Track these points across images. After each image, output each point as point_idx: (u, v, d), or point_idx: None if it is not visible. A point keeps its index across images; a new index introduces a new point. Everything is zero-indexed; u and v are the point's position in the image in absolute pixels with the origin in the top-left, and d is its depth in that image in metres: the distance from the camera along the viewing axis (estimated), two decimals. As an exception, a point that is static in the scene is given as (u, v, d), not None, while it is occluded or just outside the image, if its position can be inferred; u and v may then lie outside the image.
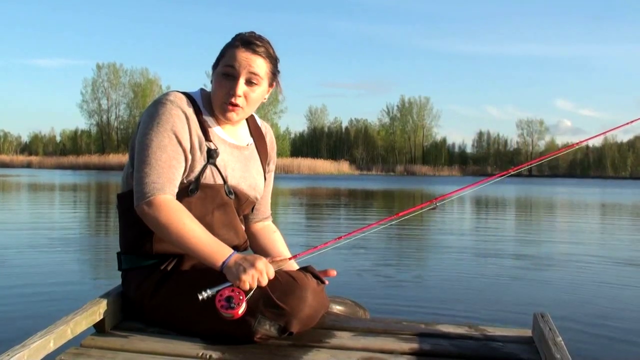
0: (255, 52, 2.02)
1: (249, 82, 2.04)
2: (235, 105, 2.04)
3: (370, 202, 19.52)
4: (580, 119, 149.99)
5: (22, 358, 1.54)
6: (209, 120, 2.09)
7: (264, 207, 2.38)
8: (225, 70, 2.02)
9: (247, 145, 2.21)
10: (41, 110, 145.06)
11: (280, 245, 2.34)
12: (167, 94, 2.05)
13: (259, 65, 2.04)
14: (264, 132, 2.32)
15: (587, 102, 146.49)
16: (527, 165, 2.31)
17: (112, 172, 44.82)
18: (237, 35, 2.07)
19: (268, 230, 2.38)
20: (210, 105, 2.11)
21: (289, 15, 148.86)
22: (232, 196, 2.11)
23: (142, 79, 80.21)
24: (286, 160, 64.44)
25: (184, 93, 2.08)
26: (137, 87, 79.12)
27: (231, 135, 2.16)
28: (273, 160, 2.36)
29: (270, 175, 2.36)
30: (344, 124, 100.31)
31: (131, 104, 79.23)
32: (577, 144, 2.46)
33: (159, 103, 2.01)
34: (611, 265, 6.87)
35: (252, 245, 2.33)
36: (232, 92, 2.02)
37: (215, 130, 2.10)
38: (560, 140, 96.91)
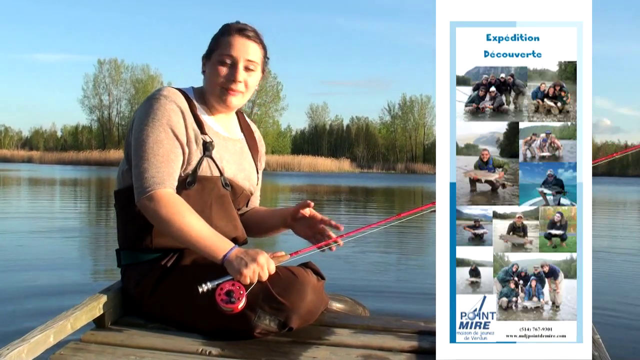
0: (249, 38, 2.09)
1: (246, 69, 2.09)
2: (235, 90, 2.09)
3: (371, 199, 19.52)
4: (619, 118, 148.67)
5: (22, 352, 1.55)
6: (203, 113, 2.13)
7: (255, 204, 2.40)
8: (223, 58, 2.06)
9: (239, 139, 2.25)
10: (42, 106, 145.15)
11: (275, 211, 2.37)
12: (160, 89, 2.08)
13: (255, 51, 2.10)
14: (252, 129, 2.37)
15: (626, 101, 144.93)
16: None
17: (113, 168, 44.74)
18: (226, 25, 2.12)
19: (257, 208, 2.41)
20: (204, 99, 2.14)
21: (290, 13, 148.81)
22: (229, 188, 2.13)
23: (143, 75, 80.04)
24: (287, 158, 64.31)
25: (177, 88, 2.11)
26: (139, 83, 78.90)
27: (224, 129, 2.19)
28: (263, 156, 2.40)
29: (260, 173, 2.38)
30: (345, 122, 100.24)
31: (132, 100, 78.96)
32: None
33: (153, 99, 2.03)
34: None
35: (250, 226, 2.34)
36: (232, 78, 2.07)
37: (210, 123, 2.13)
38: (599, 139, 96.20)
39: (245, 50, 2.07)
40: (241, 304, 1.82)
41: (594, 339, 1.80)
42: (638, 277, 6.01)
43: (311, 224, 2.23)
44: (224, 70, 2.07)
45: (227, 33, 2.09)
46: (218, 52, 2.08)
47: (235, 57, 2.06)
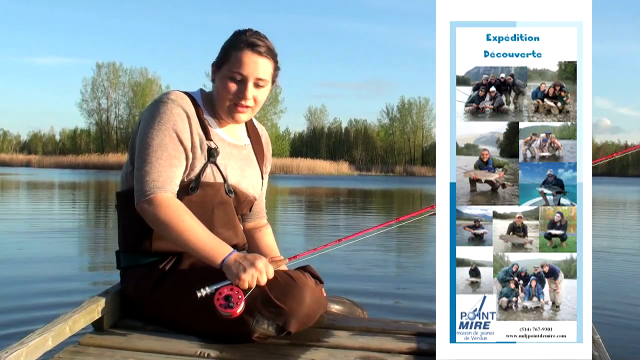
0: (261, 54, 2.04)
1: (256, 85, 2.06)
2: (245, 107, 2.06)
3: (370, 202, 19.51)
4: (619, 118, 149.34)
5: (21, 356, 1.54)
6: (209, 119, 2.11)
7: (260, 207, 2.38)
8: (233, 75, 2.03)
9: (245, 145, 2.23)
10: (41, 109, 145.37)
11: (273, 249, 2.35)
12: (168, 92, 2.06)
13: (265, 68, 2.06)
14: (260, 133, 2.34)
15: (626, 101, 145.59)
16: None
17: (112, 172, 44.79)
18: (239, 36, 2.06)
19: (263, 233, 2.38)
20: (211, 104, 2.12)
21: (289, 15, 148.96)
22: (232, 195, 2.12)
23: (141, 79, 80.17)
24: (285, 161, 64.42)
25: (185, 92, 2.09)
26: (137, 86, 79.01)
27: (230, 135, 2.17)
28: (269, 161, 2.38)
29: (266, 177, 2.36)
30: (344, 125, 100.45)
31: (131, 103, 79.09)
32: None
33: (160, 102, 2.02)
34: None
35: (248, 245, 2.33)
36: (241, 96, 2.04)
37: (215, 129, 2.12)
38: (599, 139, 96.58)
39: (256, 68, 2.03)
40: (240, 309, 1.81)
41: (594, 339, 1.80)
42: (638, 277, 6.01)
43: None
44: (233, 86, 2.04)
45: (239, 47, 2.03)
46: (228, 67, 2.04)
47: (246, 75, 2.03)
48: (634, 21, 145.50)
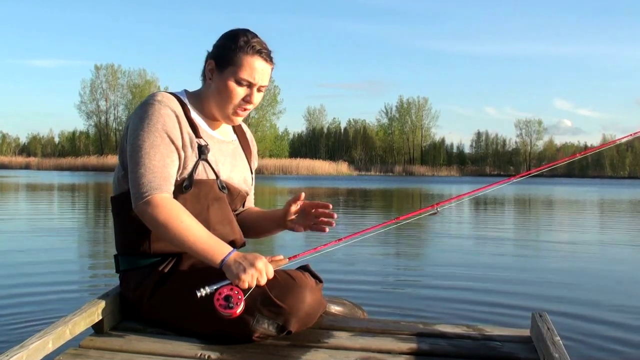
0: (267, 61, 2.07)
1: (258, 90, 2.10)
2: (247, 110, 2.12)
3: (369, 201, 19.51)
4: (579, 119, 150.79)
5: (21, 359, 1.54)
6: (197, 117, 2.12)
7: (251, 203, 2.41)
8: (240, 80, 2.04)
9: (232, 141, 2.26)
10: (40, 112, 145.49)
11: (267, 214, 2.37)
12: (154, 94, 2.07)
13: (269, 74, 2.10)
14: (244, 129, 2.38)
15: (586, 102, 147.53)
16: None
17: (111, 173, 44.43)
18: (243, 38, 2.05)
19: (254, 209, 2.41)
20: (199, 103, 2.14)
21: (287, 16, 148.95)
22: (225, 191, 2.13)
23: (140, 80, 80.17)
24: (285, 161, 64.27)
25: (170, 93, 2.11)
26: (136, 88, 78.99)
27: (218, 132, 2.20)
28: (255, 157, 2.40)
29: (253, 173, 2.37)
30: (343, 125, 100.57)
31: (129, 105, 78.95)
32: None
33: (147, 104, 2.02)
34: (614, 264, 6.91)
35: (244, 227, 2.31)
36: (248, 100, 2.08)
37: (204, 127, 2.14)
38: (559, 141, 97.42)
39: (263, 77, 2.06)
40: (239, 309, 1.81)
41: (555, 340, 1.78)
42: (597, 280, 5.94)
43: (305, 214, 2.27)
44: (240, 91, 2.05)
45: (246, 51, 2.03)
46: (235, 70, 2.03)
47: (255, 82, 2.05)
48: (596, 22, 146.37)
